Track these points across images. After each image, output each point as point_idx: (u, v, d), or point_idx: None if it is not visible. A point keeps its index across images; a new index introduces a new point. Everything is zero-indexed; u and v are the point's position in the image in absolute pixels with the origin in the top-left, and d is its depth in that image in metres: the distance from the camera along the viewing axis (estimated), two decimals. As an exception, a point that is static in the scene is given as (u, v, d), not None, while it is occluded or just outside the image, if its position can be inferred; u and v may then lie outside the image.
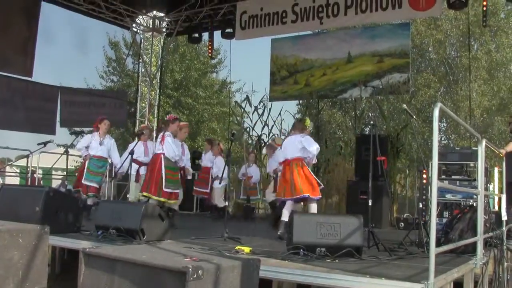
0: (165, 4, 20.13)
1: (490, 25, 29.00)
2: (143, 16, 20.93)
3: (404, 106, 8.24)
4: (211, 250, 6.46)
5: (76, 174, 13.41)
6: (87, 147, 12.36)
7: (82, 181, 12.00)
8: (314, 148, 9.67)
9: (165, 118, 13.14)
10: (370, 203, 8.58)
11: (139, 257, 4.12)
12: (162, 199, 10.80)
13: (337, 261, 6.46)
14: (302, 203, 10.36)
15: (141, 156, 13.17)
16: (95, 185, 12.21)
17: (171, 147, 11.02)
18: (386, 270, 6.01)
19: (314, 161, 10.12)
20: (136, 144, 13.02)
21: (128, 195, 12.77)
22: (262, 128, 19.58)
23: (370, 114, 26.16)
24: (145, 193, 10.86)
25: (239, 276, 4.10)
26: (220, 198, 14.71)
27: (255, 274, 4.32)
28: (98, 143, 12.43)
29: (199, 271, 3.67)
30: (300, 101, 23.64)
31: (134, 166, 12.93)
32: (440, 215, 9.31)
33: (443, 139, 32.39)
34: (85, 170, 12.11)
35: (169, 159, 11.03)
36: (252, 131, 20.08)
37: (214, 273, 3.85)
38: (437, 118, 5.11)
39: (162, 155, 10.97)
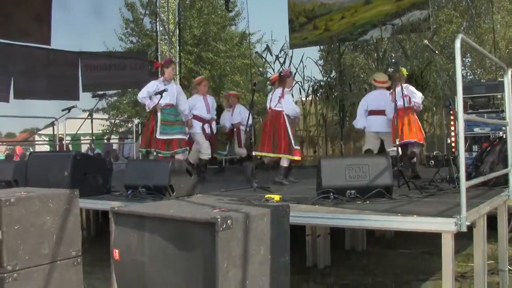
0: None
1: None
2: (157, -26, 20.80)
3: (426, 41, 8.12)
4: (240, 200, 6.47)
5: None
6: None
7: (158, 136, 10.48)
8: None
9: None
10: (397, 141, 8.53)
11: (167, 212, 4.11)
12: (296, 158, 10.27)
13: (367, 202, 6.43)
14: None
15: (203, 112, 12.23)
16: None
17: (292, 105, 10.53)
18: (417, 207, 5.97)
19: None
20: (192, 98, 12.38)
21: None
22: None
23: (393, 55, 25.94)
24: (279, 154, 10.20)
25: (269, 223, 4.08)
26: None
27: (285, 220, 4.30)
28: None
29: (228, 221, 3.65)
30: (321, 47, 23.42)
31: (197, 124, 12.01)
32: (469, 149, 9.24)
33: (468, 74, 32.05)
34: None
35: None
36: (275, 81, 19.99)
37: (243, 222, 3.83)
38: (459, 50, 5.01)
39: (283, 113, 10.25)
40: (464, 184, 4.96)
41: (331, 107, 18.78)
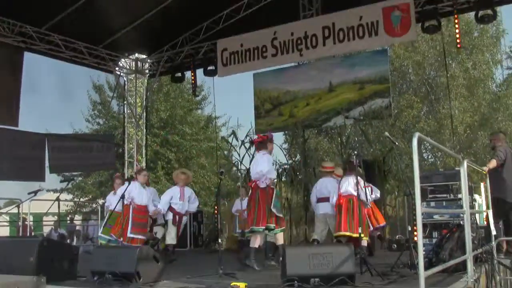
0: (146, 46, 20.39)
1: (465, 44, 29.39)
2: (126, 59, 21.13)
3: (386, 133, 8.41)
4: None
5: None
6: None
7: None
8: None
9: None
10: (360, 230, 8.75)
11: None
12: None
13: (331, 290, 6.58)
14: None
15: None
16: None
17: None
18: (378, 295, 6.15)
19: None
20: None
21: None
22: (250, 161, 19.69)
23: (356, 139, 26.39)
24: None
25: (237, 313, 4.23)
26: None
27: (251, 310, 4.46)
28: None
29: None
30: (286, 132, 23.78)
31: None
32: (429, 235, 9.48)
33: (429, 157, 32.68)
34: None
35: None
36: (240, 165, 20.16)
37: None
38: (416, 148, 5.29)
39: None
40: (423, 274, 5.17)
41: (295, 190, 18.98)
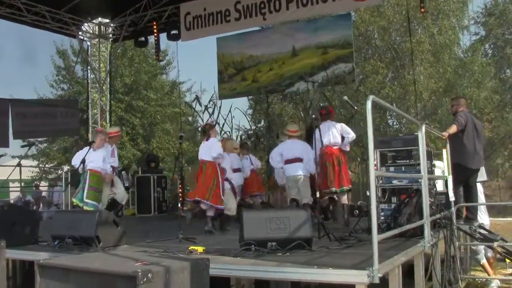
0: (109, 10, 20.13)
1: (431, 9, 29.32)
2: (89, 24, 20.92)
3: (345, 98, 8.46)
4: (164, 253, 6.62)
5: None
6: None
7: None
8: None
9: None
10: (317, 194, 8.79)
11: (92, 265, 4.25)
12: None
13: (288, 254, 6.64)
14: None
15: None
16: None
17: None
18: (334, 259, 6.21)
19: None
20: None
21: None
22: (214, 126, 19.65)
23: (321, 105, 26.41)
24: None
25: (189, 276, 4.24)
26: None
27: (205, 273, 4.46)
28: None
29: (149, 275, 3.81)
30: (250, 97, 23.77)
31: None
32: (388, 200, 9.52)
33: (394, 123, 32.81)
34: None
35: None
36: (203, 130, 20.12)
37: (164, 275, 3.99)
38: (370, 110, 5.31)
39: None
40: (376, 237, 5.21)
41: (258, 156, 18.98)
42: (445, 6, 31.22)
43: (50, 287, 4.40)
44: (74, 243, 7.87)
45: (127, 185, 15.81)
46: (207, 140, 10.94)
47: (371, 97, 5.40)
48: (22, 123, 20.34)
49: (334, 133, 11.17)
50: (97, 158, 11.16)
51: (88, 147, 11.22)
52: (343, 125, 11.42)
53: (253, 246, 6.73)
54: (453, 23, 32.14)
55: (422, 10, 15.99)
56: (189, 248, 7.12)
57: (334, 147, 11.11)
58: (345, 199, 11.40)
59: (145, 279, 3.77)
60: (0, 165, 14.42)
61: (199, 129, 19.06)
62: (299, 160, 11.21)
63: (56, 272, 4.40)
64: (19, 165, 12.95)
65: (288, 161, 11.34)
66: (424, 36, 30.30)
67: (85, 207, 10.78)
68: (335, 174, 10.93)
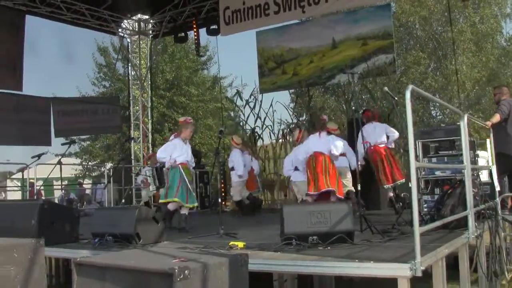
0: (148, 7, 20.21)
1: (470, -1, 29.04)
2: (128, 20, 21.03)
3: (386, 88, 8.31)
4: (204, 249, 6.57)
5: None
6: None
7: None
8: None
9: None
10: (359, 187, 8.69)
11: (128, 263, 4.21)
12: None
13: (329, 248, 6.54)
14: None
15: None
16: None
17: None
18: (376, 252, 6.10)
19: None
20: None
21: None
22: (255, 121, 19.65)
23: (363, 97, 26.24)
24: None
25: (227, 272, 4.18)
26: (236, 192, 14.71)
27: (243, 269, 4.40)
28: None
29: (186, 271, 3.75)
30: (291, 91, 23.70)
31: None
32: (432, 192, 9.40)
33: (438, 114, 32.47)
34: None
35: None
36: (245, 124, 20.11)
37: (201, 272, 3.93)
38: (409, 100, 5.19)
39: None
40: (417, 229, 5.09)
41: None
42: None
43: (87, 285, 4.38)
44: (114, 240, 7.87)
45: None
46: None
47: (410, 86, 5.28)
48: (64, 121, 20.56)
49: (380, 133, 11.68)
50: (188, 152, 11.15)
51: (178, 140, 11.14)
52: (387, 125, 12.08)
53: (294, 240, 6.65)
54: (495, 11, 31.74)
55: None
56: (229, 244, 7.07)
57: (381, 145, 11.59)
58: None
59: (182, 276, 3.72)
60: (42, 164, 14.48)
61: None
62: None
63: (93, 270, 4.38)
64: (59, 163, 13.03)
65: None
66: (465, 25, 29.97)
67: (189, 205, 10.90)
68: (386, 170, 11.49)
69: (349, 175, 11.80)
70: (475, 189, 8.20)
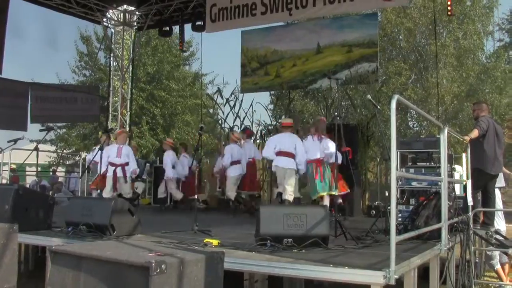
0: (135, -2, 20.14)
1: (457, 13, 29.24)
2: (114, 10, 20.92)
3: (369, 96, 8.34)
4: (178, 244, 6.56)
5: None
6: None
7: None
8: None
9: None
10: (336, 193, 8.72)
11: (104, 254, 4.19)
12: None
13: (303, 251, 6.56)
14: None
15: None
16: None
17: None
18: (350, 259, 6.12)
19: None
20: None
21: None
22: (234, 120, 19.62)
23: (343, 103, 26.33)
24: None
25: (203, 269, 4.17)
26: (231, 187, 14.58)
27: (219, 266, 4.40)
28: None
29: (162, 266, 3.74)
30: (272, 92, 23.73)
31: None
32: (407, 202, 9.49)
33: (415, 126, 32.65)
34: None
35: None
36: (224, 123, 20.08)
37: (177, 267, 3.92)
38: (394, 110, 5.21)
39: None
40: (394, 238, 5.13)
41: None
42: (471, 11, 31.11)
43: (61, 273, 4.35)
44: (88, 230, 7.83)
45: (144, 176, 15.84)
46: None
47: (396, 96, 5.31)
48: (42, 107, 20.43)
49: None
50: None
51: None
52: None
53: (268, 241, 6.67)
54: (478, 28, 31.95)
55: (450, 13, 15.85)
56: (204, 241, 7.07)
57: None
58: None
59: (158, 270, 3.71)
60: (17, 149, 14.36)
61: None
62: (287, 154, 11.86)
63: (68, 259, 4.35)
64: (36, 149, 12.94)
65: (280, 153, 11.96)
66: (449, 39, 30.13)
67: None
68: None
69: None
70: (450, 202, 8.27)
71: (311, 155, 11.75)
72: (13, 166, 17.45)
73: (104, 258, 4.11)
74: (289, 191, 11.62)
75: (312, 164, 11.67)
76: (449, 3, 15.41)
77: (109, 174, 13.28)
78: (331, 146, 11.14)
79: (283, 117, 20.41)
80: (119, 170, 13.40)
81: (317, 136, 11.84)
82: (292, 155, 11.80)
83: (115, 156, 13.39)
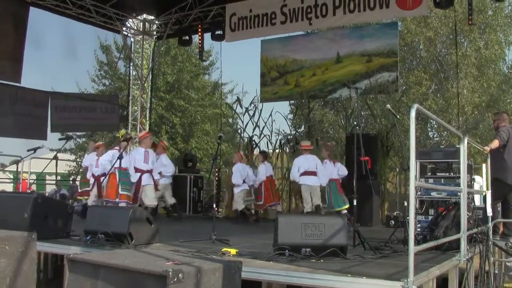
0: (155, 7, 20.13)
1: (478, 22, 29.18)
2: (133, 20, 20.96)
3: (388, 106, 8.33)
4: (196, 253, 6.56)
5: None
6: None
7: None
8: None
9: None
10: (355, 202, 8.67)
11: (122, 262, 4.19)
12: None
13: (321, 261, 6.56)
14: None
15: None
16: None
17: None
18: (369, 268, 6.12)
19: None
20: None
21: None
22: (254, 129, 19.59)
23: (363, 113, 26.27)
24: None
25: (221, 278, 4.17)
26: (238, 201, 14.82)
27: (237, 276, 4.40)
28: None
29: (180, 275, 3.74)
30: (292, 102, 23.72)
31: None
32: (426, 212, 9.42)
33: (435, 136, 32.53)
34: None
35: None
36: (243, 132, 20.06)
37: (195, 276, 3.92)
38: (414, 119, 5.19)
39: None
40: (412, 249, 5.10)
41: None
42: (493, 21, 30.94)
43: (79, 282, 4.36)
44: (106, 239, 7.85)
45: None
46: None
47: (415, 105, 5.29)
48: (61, 116, 20.48)
49: None
50: None
51: None
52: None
53: (287, 251, 6.66)
54: (500, 38, 31.80)
55: (470, 22, 15.76)
56: (222, 250, 7.07)
57: None
58: None
59: (175, 279, 3.71)
60: (37, 157, 14.43)
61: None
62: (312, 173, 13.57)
63: (86, 267, 4.36)
64: (55, 158, 13.00)
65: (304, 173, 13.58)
66: (470, 49, 30.00)
67: None
68: None
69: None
70: (469, 213, 8.22)
71: (331, 175, 13.70)
72: (26, 174, 17.52)
73: (121, 266, 4.12)
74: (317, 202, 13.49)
75: (335, 181, 13.71)
76: (469, 12, 15.33)
77: (133, 181, 13.07)
78: (345, 169, 13.87)
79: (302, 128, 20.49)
80: (146, 176, 13.27)
81: (332, 161, 14.02)
82: (315, 173, 13.55)
83: (143, 161, 13.24)
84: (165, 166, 14.40)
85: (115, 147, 13.39)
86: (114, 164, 11.74)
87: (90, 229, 8.21)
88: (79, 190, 15.27)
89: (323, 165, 13.79)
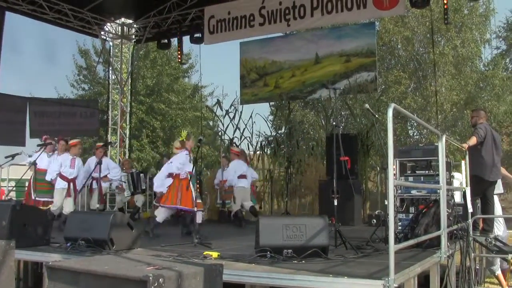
0: (133, 11, 20.09)
1: (454, 21, 29.40)
2: (112, 24, 20.93)
3: (366, 105, 8.35)
4: (178, 257, 6.55)
5: None
6: None
7: None
8: None
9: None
10: (335, 202, 8.68)
11: (101, 268, 4.17)
12: None
13: (303, 261, 6.55)
14: None
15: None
16: None
17: None
18: (350, 268, 6.13)
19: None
20: None
21: None
22: (234, 132, 19.61)
23: (343, 113, 26.34)
24: None
25: (202, 282, 4.16)
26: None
27: (218, 279, 4.38)
28: None
29: (160, 279, 3.73)
30: (272, 103, 23.77)
31: None
32: (406, 210, 9.45)
33: (415, 134, 32.68)
34: None
35: None
36: (224, 134, 20.06)
37: (175, 280, 3.91)
38: (391, 118, 5.21)
39: None
40: (392, 247, 5.11)
41: (278, 163, 18.92)
42: (468, 20, 31.19)
43: (59, 289, 4.33)
44: (87, 245, 7.76)
45: (144, 187, 15.76)
46: None
47: (392, 105, 5.30)
48: (40, 122, 20.38)
49: None
50: None
51: None
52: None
53: (268, 252, 6.66)
54: (476, 36, 32.05)
55: (446, 22, 15.93)
56: (204, 253, 7.06)
57: None
58: None
59: (156, 284, 3.69)
60: (16, 164, 14.33)
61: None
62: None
63: (65, 275, 4.32)
64: (34, 164, 12.93)
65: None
66: (447, 48, 30.18)
67: None
68: None
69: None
70: (449, 210, 8.26)
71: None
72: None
73: (101, 273, 4.10)
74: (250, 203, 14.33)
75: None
76: (445, 12, 15.42)
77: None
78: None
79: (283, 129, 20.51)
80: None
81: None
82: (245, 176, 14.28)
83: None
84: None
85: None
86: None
87: (70, 236, 8.12)
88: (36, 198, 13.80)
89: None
